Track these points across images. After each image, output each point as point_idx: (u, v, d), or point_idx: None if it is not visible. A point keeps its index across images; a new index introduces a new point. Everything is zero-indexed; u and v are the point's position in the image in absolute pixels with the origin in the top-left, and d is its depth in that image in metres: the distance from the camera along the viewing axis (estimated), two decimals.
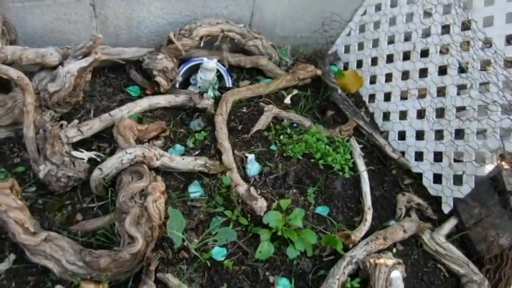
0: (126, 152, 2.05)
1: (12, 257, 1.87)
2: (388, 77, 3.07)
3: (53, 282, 1.84)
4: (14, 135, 2.30)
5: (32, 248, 1.77)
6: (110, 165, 2.04)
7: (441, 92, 2.74)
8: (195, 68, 2.86)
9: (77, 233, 1.99)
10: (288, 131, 2.72)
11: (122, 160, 2.04)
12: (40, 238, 1.76)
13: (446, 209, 2.61)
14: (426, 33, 2.84)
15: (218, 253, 2.05)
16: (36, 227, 1.82)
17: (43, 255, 1.79)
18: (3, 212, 1.69)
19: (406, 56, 2.96)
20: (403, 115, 2.95)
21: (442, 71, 2.73)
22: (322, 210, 2.43)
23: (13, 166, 2.20)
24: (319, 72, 3.12)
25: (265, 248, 2.08)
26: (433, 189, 2.69)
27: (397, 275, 2.01)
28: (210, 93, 2.84)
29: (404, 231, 2.36)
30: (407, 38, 2.97)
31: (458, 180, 2.56)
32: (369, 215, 2.44)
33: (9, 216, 1.70)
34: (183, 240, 1.91)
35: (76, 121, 2.30)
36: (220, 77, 2.93)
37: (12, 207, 1.70)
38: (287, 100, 2.98)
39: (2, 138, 2.27)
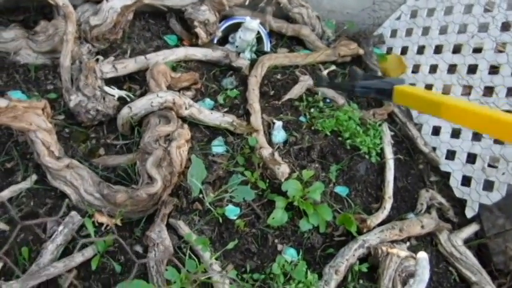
0: (158, 96, 2.03)
1: (34, 177, 1.90)
2: (433, 68, 2.95)
3: (69, 208, 1.87)
4: (51, 62, 2.30)
5: (53, 172, 1.79)
6: (140, 105, 2.03)
7: (488, 91, 2.61)
8: (235, 27, 2.79)
9: (98, 166, 2.00)
10: (320, 104, 2.65)
11: (152, 102, 2.03)
12: (63, 163, 1.78)
13: (469, 213, 2.54)
14: (484, 28, 2.70)
15: (231, 211, 2.04)
16: (61, 153, 1.84)
17: (63, 181, 1.82)
18: (33, 131, 1.70)
19: (457, 49, 2.83)
20: None
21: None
22: (342, 190, 2.39)
23: (46, 92, 2.22)
24: (361, 51, 3.02)
25: (279, 216, 2.06)
26: (459, 190, 2.61)
27: (423, 255, 1.96)
28: (247, 54, 2.79)
29: (422, 226, 2.31)
30: (461, 29, 2.82)
31: (488, 186, 2.47)
32: (388, 204, 2.39)
33: (37, 137, 1.72)
34: (200, 191, 1.90)
35: (112, 58, 2.29)
36: (259, 40, 2.87)
37: (42, 128, 1.71)
38: (323, 74, 2.90)
39: (39, 64, 2.28)
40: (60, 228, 1.72)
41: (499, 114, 1.08)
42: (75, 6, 2.28)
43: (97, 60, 2.19)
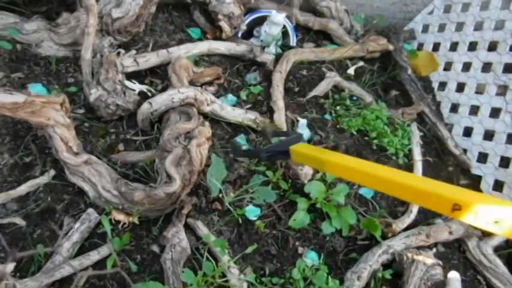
0: (179, 91, 1.98)
1: (52, 172, 1.87)
2: (466, 66, 2.82)
3: (86, 205, 1.85)
4: (72, 55, 2.27)
5: (71, 168, 1.76)
6: (160, 101, 1.98)
7: None
8: (261, 21, 2.71)
9: (116, 162, 1.97)
10: (347, 102, 2.56)
11: (173, 98, 1.97)
12: (81, 159, 1.74)
13: None
14: None
15: (252, 212, 1.98)
16: (79, 148, 1.81)
17: (81, 177, 1.79)
18: (51, 126, 1.67)
19: (492, 47, 2.69)
20: (473, 110, 2.72)
21: None
22: (367, 192, 2.30)
23: (66, 85, 2.19)
24: (391, 47, 2.90)
25: (301, 217, 2.00)
26: (491, 195, 2.49)
27: (455, 276, 1.85)
28: (272, 48, 2.71)
29: (450, 232, 2.22)
30: (498, 26, 2.68)
31: None
32: (414, 208, 2.30)
33: (55, 132, 1.69)
34: (220, 191, 1.84)
35: (133, 51, 2.25)
36: (285, 33, 2.78)
37: (60, 123, 1.68)
38: (351, 71, 2.80)
39: (60, 56, 2.25)
40: (77, 225, 1.70)
41: (372, 170, 1.24)
42: None
43: (118, 53, 2.15)
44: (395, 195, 1.21)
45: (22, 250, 1.65)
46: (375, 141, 2.44)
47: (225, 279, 1.74)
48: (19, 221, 1.71)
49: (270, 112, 2.34)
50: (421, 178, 1.19)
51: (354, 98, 2.64)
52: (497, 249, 2.32)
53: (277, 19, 2.55)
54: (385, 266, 2.03)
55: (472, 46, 2.81)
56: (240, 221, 1.93)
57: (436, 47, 3.05)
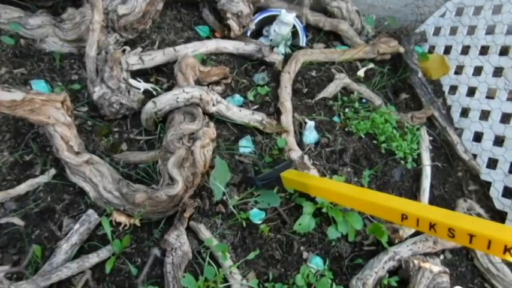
0: (184, 91, 1.93)
1: (52, 171, 1.83)
2: (477, 71, 2.76)
3: (87, 205, 1.81)
4: (77, 51, 2.23)
5: (72, 167, 1.72)
6: (165, 100, 1.94)
7: None
8: (270, 20, 2.66)
9: (119, 162, 1.93)
10: (356, 105, 2.51)
11: (178, 98, 1.93)
12: (82, 159, 1.70)
13: None
14: None
15: (256, 215, 1.94)
16: (81, 147, 1.76)
17: (82, 177, 1.75)
18: (51, 125, 1.63)
19: (504, 51, 2.64)
20: (484, 115, 2.67)
21: None
22: None
23: (70, 82, 2.15)
24: (402, 49, 2.84)
25: (306, 222, 1.95)
26: (500, 202, 2.45)
27: None
28: (281, 48, 2.66)
29: None
30: (510, 30, 2.63)
31: None
32: None
33: (56, 131, 1.65)
34: (224, 194, 1.80)
35: (139, 49, 2.20)
36: (294, 33, 2.73)
37: (61, 122, 1.64)
38: (360, 72, 2.75)
39: (64, 52, 2.21)
40: (76, 226, 1.66)
41: (349, 191, 1.47)
42: None
43: (123, 51, 2.10)
44: (361, 210, 1.52)
45: (20, 251, 1.62)
46: (384, 145, 2.39)
47: (227, 284, 1.70)
48: (17, 221, 1.67)
49: (277, 113, 2.30)
50: (378, 194, 1.42)
51: (363, 100, 2.59)
52: None
53: (287, 19, 2.50)
54: (391, 272, 1.99)
55: (484, 50, 2.76)
56: (244, 225, 1.89)
57: (447, 50, 2.99)
